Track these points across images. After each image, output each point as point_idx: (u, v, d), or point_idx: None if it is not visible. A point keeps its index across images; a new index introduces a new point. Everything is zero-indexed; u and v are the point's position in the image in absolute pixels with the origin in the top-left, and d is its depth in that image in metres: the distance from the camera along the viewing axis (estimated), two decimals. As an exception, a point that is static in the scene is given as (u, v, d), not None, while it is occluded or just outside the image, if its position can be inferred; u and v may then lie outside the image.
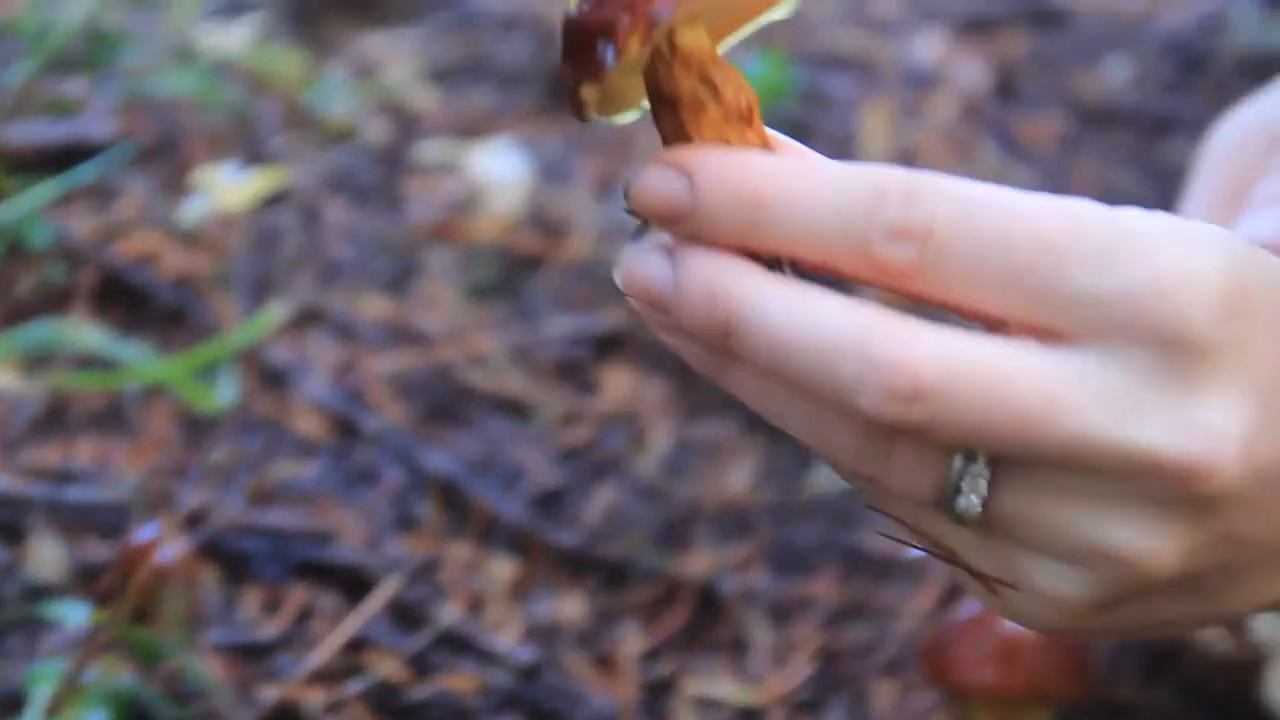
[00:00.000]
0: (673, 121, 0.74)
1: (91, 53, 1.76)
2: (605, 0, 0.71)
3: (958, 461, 0.72)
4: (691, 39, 0.73)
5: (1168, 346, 0.70)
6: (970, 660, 1.13)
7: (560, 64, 0.74)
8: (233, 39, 1.85)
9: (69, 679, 1.09)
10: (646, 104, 0.75)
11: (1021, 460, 0.71)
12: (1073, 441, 0.69)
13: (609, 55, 0.71)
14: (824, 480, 1.41)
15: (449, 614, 1.26)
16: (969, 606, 1.14)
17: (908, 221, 0.70)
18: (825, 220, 0.71)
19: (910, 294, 0.71)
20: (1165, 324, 0.69)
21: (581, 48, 0.71)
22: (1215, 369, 0.70)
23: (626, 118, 0.77)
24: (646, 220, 0.74)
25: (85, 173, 1.58)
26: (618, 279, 0.74)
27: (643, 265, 0.73)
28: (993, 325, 0.72)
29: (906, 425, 0.69)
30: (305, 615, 1.26)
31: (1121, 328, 0.70)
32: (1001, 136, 1.85)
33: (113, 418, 1.40)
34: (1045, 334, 0.71)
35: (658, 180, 0.72)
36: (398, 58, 1.90)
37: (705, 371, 0.76)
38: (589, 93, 0.72)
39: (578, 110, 0.73)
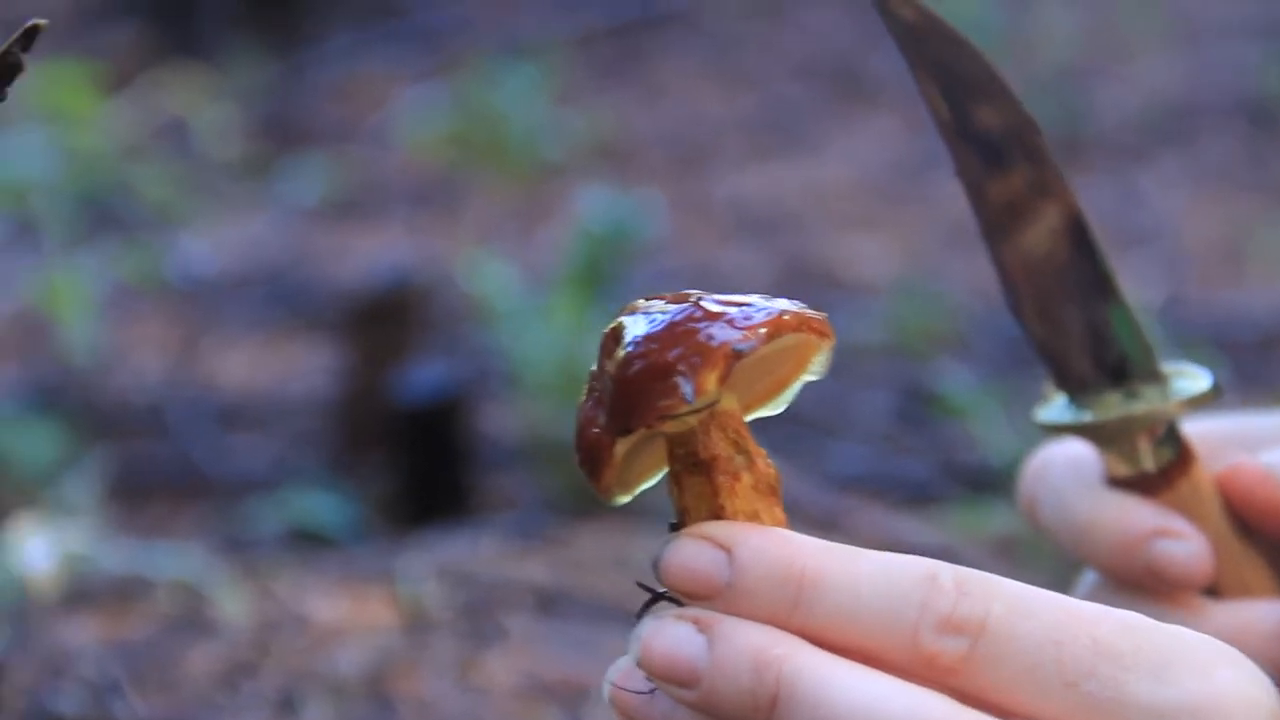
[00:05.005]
0: (703, 489, 0.72)
1: None
2: (663, 345, 0.71)
3: None
4: (728, 402, 0.73)
5: None
6: None
7: (590, 436, 0.73)
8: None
9: None
10: (642, 486, 0.75)
11: None
12: None
13: (688, 390, 0.70)
14: None
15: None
16: None
17: (961, 614, 0.69)
18: (872, 605, 0.70)
19: (951, 691, 0.70)
20: None
21: (646, 391, 0.70)
22: None
23: (625, 499, 0.76)
24: (663, 595, 0.73)
25: None
26: (633, 653, 0.71)
27: (668, 636, 0.71)
28: None
29: None
30: None
31: None
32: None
33: None
34: None
35: (693, 554, 0.71)
36: None
37: None
38: (621, 446, 0.71)
39: (603, 489, 0.73)
